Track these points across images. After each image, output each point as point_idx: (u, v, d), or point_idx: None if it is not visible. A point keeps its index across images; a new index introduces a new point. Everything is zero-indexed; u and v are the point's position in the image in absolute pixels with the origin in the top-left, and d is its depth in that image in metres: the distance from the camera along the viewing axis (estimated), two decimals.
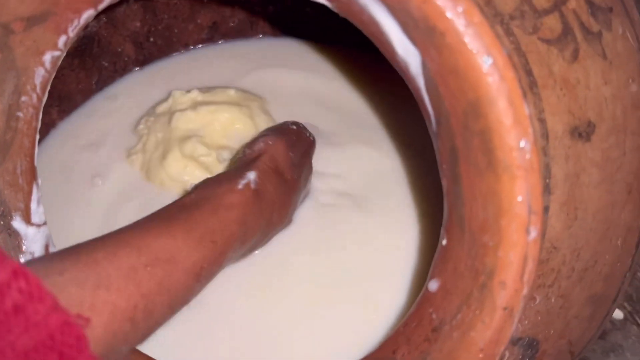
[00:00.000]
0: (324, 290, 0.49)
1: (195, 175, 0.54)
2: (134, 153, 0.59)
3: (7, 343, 0.24)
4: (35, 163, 0.43)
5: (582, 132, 0.32)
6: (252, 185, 0.41)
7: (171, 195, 0.55)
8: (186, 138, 0.56)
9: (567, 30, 0.32)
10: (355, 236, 0.51)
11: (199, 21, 0.66)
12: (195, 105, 0.58)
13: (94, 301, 0.28)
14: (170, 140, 0.56)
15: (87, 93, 0.62)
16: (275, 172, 0.44)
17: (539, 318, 0.34)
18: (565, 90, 0.31)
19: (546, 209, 0.31)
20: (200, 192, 0.39)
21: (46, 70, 0.41)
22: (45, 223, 0.44)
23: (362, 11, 0.31)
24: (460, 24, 0.29)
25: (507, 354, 0.33)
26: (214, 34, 0.67)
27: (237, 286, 0.49)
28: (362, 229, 0.51)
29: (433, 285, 0.34)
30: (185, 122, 0.57)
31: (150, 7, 0.63)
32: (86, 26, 0.41)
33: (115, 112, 0.62)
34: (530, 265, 0.31)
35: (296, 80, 0.64)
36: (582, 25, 0.33)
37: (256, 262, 0.50)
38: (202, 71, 0.65)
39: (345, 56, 0.65)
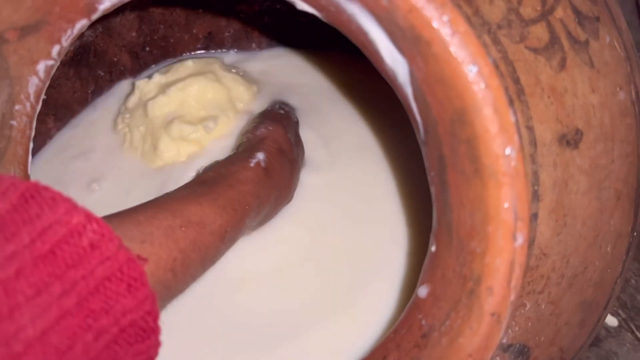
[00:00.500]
0: (314, 298, 0.49)
1: (191, 153, 0.56)
2: (125, 151, 0.59)
3: (88, 272, 0.27)
4: (29, 172, 0.43)
5: (570, 140, 0.32)
6: (262, 164, 0.45)
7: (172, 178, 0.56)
8: (168, 122, 0.56)
9: (554, 39, 0.32)
10: (344, 243, 0.51)
11: (194, 31, 0.66)
12: (163, 89, 0.58)
13: (141, 252, 0.31)
14: (154, 130, 0.57)
15: (83, 102, 0.63)
16: (280, 153, 0.48)
17: (530, 324, 0.34)
18: (553, 99, 0.32)
19: (535, 216, 0.31)
20: (217, 170, 0.44)
21: (40, 79, 0.42)
22: None
23: (350, 20, 0.32)
24: (445, 33, 0.29)
25: None
26: (210, 44, 0.67)
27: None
28: (351, 235, 0.52)
29: (422, 291, 0.35)
30: (160, 108, 0.57)
31: (146, 17, 0.63)
32: (82, 36, 0.41)
33: (100, 119, 0.62)
34: (518, 272, 0.31)
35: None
36: (569, 34, 0.33)
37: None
38: None
39: (338, 64, 0.65)
